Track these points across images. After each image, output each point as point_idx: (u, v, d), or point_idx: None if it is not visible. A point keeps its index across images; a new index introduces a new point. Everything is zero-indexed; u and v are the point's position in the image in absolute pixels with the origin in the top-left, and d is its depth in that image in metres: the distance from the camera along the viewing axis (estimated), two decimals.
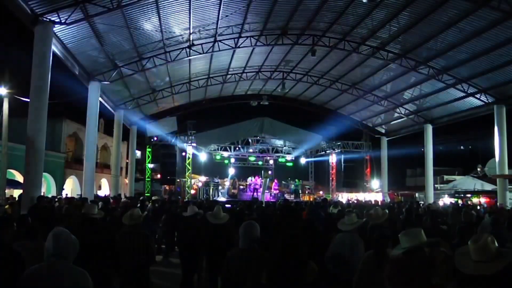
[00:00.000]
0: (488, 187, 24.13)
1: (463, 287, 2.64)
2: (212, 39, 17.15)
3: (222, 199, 24.57)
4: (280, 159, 30.42)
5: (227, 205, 13.89)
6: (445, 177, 32.36)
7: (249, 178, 28.03)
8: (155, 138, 26.67)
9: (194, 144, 26.62)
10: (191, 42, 16.17)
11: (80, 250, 2.99)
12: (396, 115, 25.41)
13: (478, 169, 28.45)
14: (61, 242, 2.80)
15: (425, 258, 3.23)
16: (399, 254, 3.25)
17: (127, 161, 28.64)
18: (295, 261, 3.36)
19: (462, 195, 24.40)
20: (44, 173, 14.13)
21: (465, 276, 2.60)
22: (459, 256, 2.69)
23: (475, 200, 22.51)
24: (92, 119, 16.66)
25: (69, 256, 2.82)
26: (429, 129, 23.59)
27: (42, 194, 13.69)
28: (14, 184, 19.07)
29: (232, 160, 29.49)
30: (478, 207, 15.82)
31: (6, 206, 11.64)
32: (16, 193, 17.66)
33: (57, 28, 12.04)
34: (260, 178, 27.17)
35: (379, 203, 17.83)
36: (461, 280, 2.68)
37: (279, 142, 29.45)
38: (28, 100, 11.46)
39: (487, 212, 11.51)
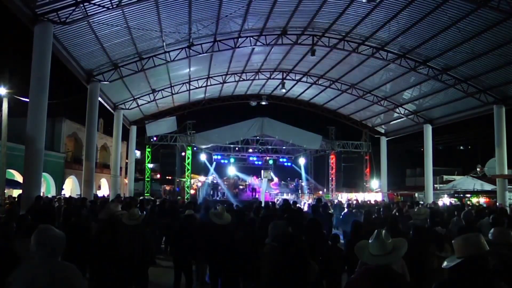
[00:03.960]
0: (488, 187, 24.08)
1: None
2: (212, 39, 17.15)
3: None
4: (280, 159, 30.30)
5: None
6: (445, 177, 32.27)
7: (249, 178, 28.01)
8: (155, 138, 26.65)
9: (194, 144, 26.59)
10: (191, 42, 16.16)
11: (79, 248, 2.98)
12: (395, 115, 25.40)
13: (478, 169, 28.41)
14: (43, 239, 2.78)
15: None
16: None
17: (127, 161, 28.64)
18: (297, 261, 3.35)
19: (461, 195, 24.36)
20: (44, 173, 14.17)
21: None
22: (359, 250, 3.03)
23: (474, 200, 22.49)
24: (92, 119, 16.69)
25: (56, 252, 2.80)
26: (428, 129, 23.58)
27: (41, 194, 13.69)
28: (14, 184, 19.07)
29: (232, 160, 29.48)
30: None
31: (7, 205, 11.63)
32: (16, 193, 17.66)
33: (56, 28, 12.02)
34: (260, 178, 27.15)
35: (379, 203, 17.90)
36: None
37: (278, 142, 29.43)
38: (28, 100, 11.45)
39: (485, 212, 11.48)
